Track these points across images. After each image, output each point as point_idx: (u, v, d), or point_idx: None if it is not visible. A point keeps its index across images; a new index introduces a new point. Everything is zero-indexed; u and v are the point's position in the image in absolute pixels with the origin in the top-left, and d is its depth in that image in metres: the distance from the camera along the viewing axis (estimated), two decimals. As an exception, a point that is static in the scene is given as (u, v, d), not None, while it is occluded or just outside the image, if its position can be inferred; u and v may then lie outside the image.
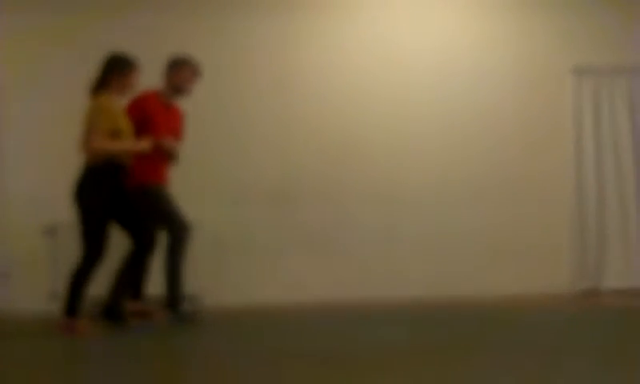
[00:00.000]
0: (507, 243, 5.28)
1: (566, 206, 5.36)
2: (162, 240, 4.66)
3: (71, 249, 4.65)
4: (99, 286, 4.02)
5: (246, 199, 4.24)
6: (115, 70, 3.88)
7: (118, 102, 3.92)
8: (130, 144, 3.83)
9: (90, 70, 4.92)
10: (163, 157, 4.13)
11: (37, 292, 4.75)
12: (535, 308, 4.67)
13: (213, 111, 4.96)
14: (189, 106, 4.39)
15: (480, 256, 5.25)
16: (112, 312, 3.94)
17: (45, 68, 4.94)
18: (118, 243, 4.13)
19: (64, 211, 4.70)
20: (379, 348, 3.25)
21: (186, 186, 4.36)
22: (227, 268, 4.58)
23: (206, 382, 2.65)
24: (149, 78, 4.94)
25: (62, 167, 4.79)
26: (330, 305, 4.83)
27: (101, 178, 3.79)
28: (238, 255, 4.78)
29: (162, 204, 4.16)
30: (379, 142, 5.22)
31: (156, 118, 4.20)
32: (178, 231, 4.10)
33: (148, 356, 3.25)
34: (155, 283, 4.30)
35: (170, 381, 2.71)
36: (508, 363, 2.84)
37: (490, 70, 5.35)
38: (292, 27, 5.17)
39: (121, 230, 3.89)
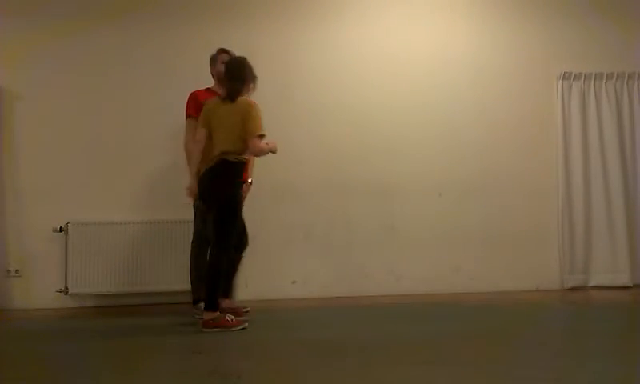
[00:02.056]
0: (498, 241, 5.34)
1: (555, 205, 5.43)
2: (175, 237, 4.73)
3: (81, 247, 4.79)
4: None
5: (248, 199, 4.31)
6: (250, 74, 3.96)
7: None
8: (273, 145, 3.97)
9: (100, 73, 4.99)
10: None
11: (47, 289, 4.78)
12: (529, 303, 4.70)
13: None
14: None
15: (474, 254, 5.32)
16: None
17: (57, 71, 4.96)
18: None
19: (74, 210, 4.85)
20: (386, 340, 3.30)
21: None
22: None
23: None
24: (148, 80, 5.02)
25: (72, 169, 4.93)
26: (331, 300, 4.85)
27: (238, 173, 3.89)
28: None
29: None
30: (378, 142, 5.26)
31: None
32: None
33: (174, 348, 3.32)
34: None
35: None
36: (497, 357, 2.95)
37: (483, 76, 5.43)
38: (293, 35, 5.22)
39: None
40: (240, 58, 4.02)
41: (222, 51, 4.44)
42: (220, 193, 3.79)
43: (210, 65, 4.48)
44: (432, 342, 3.27)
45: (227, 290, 4.16)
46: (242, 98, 3.90)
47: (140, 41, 5.11)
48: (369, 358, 2.92)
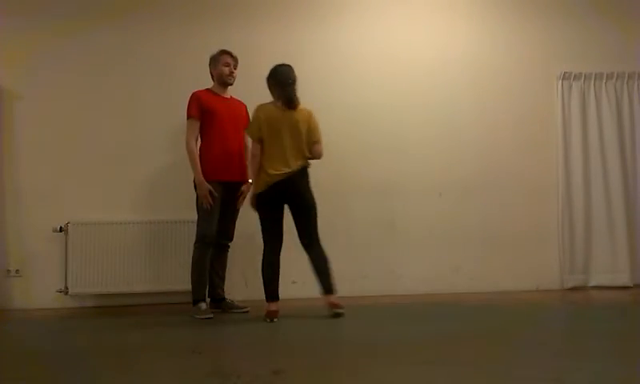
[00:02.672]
0: (498, 241, 5.35)
1: (555, 205, 5.44)
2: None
3: (81, 247, 4.79)
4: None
5: (248, 198, 4.32)
6: (296, 81, 4.16)
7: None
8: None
9: (101, 72, 5.00)
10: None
11: (47, 289, 4.79)
12: (528, 303, 4.71)
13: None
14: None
15: (474, 254, 5.33)
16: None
17: (58, 71, 4.97)
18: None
19: (74, 210, 4.86)
20: (386, 340, 3.31)
21: (190, 186, 4.39)
22: (228, 266, 4.65)
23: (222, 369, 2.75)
24: (149, 80, 5.03)
25: (72, 169, 4.95)
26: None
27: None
28: (239, 253, 4.82)
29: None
30: (378, 142, 5.27)
31: (216, 105, 4.31)
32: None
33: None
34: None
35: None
36: (498, 354, 2.95)
37: (484, 75, 5.44)
38: (293, 35, 5.23)
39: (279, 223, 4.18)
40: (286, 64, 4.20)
41: (225, 53, 4.45)
42: (312, 197, 4.16)
43: (210, 65, 4.49)
44: (432, 341, 3.28)
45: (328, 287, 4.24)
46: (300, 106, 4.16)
47: (140, 41, 5.11)
48: (369, 358, 2.93)
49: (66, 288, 4.81)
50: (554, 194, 5.47)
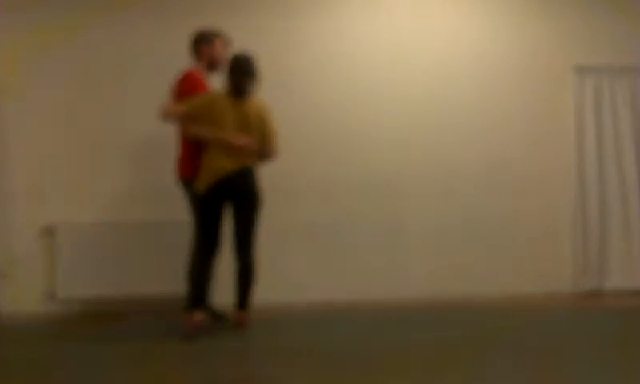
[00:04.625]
0: (510, 241, 5.27)
1: (567, 204, 5.35)
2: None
3: (70, 249, 4.72)
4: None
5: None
6: (256, 74, 4.00)
7: None
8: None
9: (90, 69, 4.95)
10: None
11: (34, 292, 4.72)
12: (538, 308, 4.67)
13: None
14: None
15: (482, 255, 5.24)
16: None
17: (44, 67, 4.91)
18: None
19: (62, 211, 4.81)
20: (390, 347, 3.30)
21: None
22: (228, 267, 4.55)
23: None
24: (149, 78, 4.94)
25: (60, 168, 4.89)
26: (333, 303, 4.83)
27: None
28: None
29: None
30: (382, 139, 5.20)
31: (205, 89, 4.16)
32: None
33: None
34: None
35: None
36: (509, 362, 2.84)
37: (492, 69, 5.34)
38: (295, 28, 5.14)
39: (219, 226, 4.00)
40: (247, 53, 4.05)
41: (220, 36, 4.31)
42: (256, 199, 3.97)
43: (202, 43, 4.29)
44: (440, 348, 3.24)
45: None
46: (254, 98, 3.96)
47: (136, 39, 5.03)
48: (371, 364, 2.90)
49: (54, 291, 4.74)
50: (567, 193, 5.38)
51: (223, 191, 3.89)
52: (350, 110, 5.18)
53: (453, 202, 5.26)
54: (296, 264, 4.97)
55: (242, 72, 3.93)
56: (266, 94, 4.15)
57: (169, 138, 4.54)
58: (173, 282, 4.55)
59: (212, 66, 4.29)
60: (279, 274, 4.90)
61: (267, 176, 4.42)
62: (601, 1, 5.43)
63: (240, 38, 4.59)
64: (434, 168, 5.26)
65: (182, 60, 4.77)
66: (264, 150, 4.00)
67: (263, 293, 4.68)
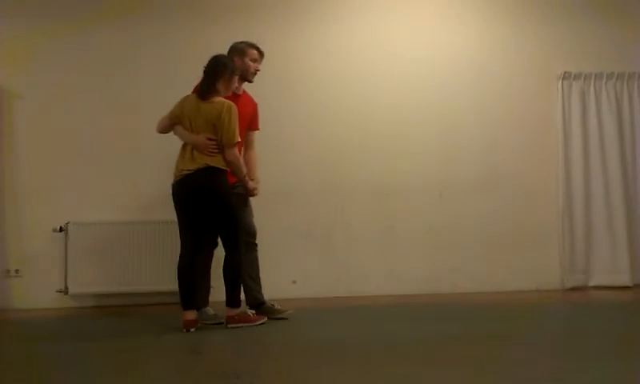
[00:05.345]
0: (499, 240, 5.33)
1: (555, 205, 5.43)
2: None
3: (81, 247, 4.78)
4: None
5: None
6: (224, 73, 3.87)
7: None
8: (247, 174, 4.01)
9: (100, 71, 4.98)
10: None
11: (47, 290, 4.77)
12: (529, 303, 4.70)
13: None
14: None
15: (474, 254, 5.31)
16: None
17: (59, 70, 4.96)
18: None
19: (74, 210, 4.84)
20: (386, 341, 3.31)
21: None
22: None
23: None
24: (149, 80, 5.00)
25: (72, 169, 4.92)
26: (331, 301, 4.85)
27: (227, 179, 3.90)
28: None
29: None
30: (378, 142, 5.25)
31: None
32: None
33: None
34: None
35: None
36: (499, 354, 2.94)
37: (484, 75, 5.41)
38: (293, 34, 5.21)
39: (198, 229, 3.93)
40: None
41: (254, 47, 4.21)
42: (222, 202, 3.85)
43: (235, 54, 4.15)
44: (432, 342, 3.27)
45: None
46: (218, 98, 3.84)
47: (141, 40, 5.09)
48: (369, 358, 2.93)
49: (66, 288, 4.80)
50: (554, 194, 5.46)
51: (185, 192, 3.83)
52: (346, 115, 5.23)
53: (445, 203, 5.32)
54: (294, 262, 5.01)
55: (204, 73, 3.91)
56: (266, 96, 4.16)
57: (175, 139, 4.65)
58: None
59: (243, 78, 4.17)
60: (278, 272, 4.89)
61: (267, 176, 4.45)
62: (588, 10, 5.52)
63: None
64: (427, 170, 5.32)
65: (184, 61, 4.81)
66: (224, 155, 3.83)
67: (263, 290, 4.77)
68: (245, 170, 4.00)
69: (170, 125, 3.98)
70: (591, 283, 5.40)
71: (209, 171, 3.80)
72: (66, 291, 4.80)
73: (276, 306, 4.21)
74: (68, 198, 4.91)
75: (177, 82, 4.79)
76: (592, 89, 5.51)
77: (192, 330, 3.73)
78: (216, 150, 3.82)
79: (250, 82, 4.22)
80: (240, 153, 4.09)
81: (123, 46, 5.08)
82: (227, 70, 3.89)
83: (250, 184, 4.09)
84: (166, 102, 4.83)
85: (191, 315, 3.78)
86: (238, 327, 3.78)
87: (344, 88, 5.27)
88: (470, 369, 2.68)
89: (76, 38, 5.01)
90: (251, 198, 4.22)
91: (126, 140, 5.01)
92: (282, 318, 4.10)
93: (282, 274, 4.99)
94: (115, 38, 5.07)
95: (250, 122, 4.24)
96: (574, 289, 5.33)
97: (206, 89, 3.85)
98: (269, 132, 4.48)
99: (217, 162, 3.81)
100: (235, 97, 4.13)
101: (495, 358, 2.88)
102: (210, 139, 3.80)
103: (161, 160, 4.87)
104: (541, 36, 5.52)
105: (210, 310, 4.05)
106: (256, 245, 4.25)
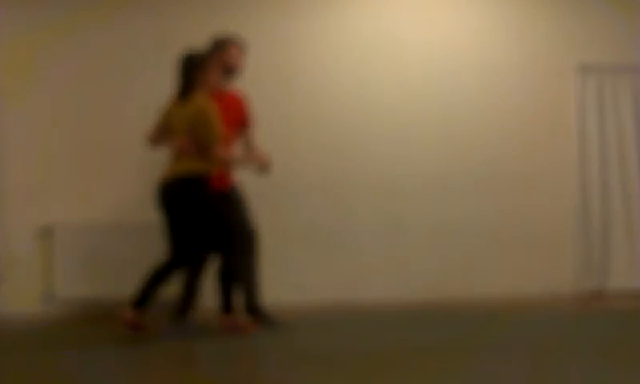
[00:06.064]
0: (510, 241, 5.26)
1: (569, 203, 5.34)
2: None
3: (69, 250, 4.74)
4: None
5: (249, 195, 4.26)
6: (198, 69, 3.83)
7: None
8: (246, 156, 4.04)
9: (89, 70, 4.97)
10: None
11: (32, 293, 4.73)
12: (539, 308, 4.67)
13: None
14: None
15: (482, 254, 5.23)
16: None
17: (45, 68, 4.92)
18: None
19: (62, 211, 4.83)
20: (391, 348, 3.29)
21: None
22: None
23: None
24: (142, 78, 4.97)
25: (59, 168, 4.90)
26: (333, 304, 4.83)
27: (207, 187, 3.80)
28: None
29: None
30: (382, 138, 5.20)
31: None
32: None
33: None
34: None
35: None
36: (510, 366, 2.83)
37: (494, 67, 5.33)
38: (296, 25, 5.15)
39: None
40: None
41: (233, 42, 4.19)
42: (198, 210, 3.81)
43: (222, 50, 4.15)
44: (440, 350, 3.22)
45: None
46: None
47: (133, 38, 5.03)
48: (372, 367, 2.88)
49: (53, 292, 4.75)
50: (569, 193, 5.36)
51: (166, 199, 3.79)
52: (350, 113, 5.18)
53: (453, 202, 5.25)
54: (294, 263, 4.99)
55: (178, 74, 3.87)
56: (266, 93, 4.18)
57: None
58: (171, 283, 4.46)
59: (227, 72, 4.15)
60: (278, 274, 4.87)
61: (267, 176, 4.43)
62: (603, 0, 5.41)
63: (238, 33, 4.56)
64: (434, 167, 5.25)
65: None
66: (205, 151, 3.76)
67: (263, 293, 4.68)
68: (241, 157, 4.06)
69: (159, 135, 3.99)
70: (608, 287, 5.29)
71: (186, 179, 3.76)
72: (53, 296, 4.74)
73: (273, 313, 4.19)
74: (55, 198, 4.86)
75: (173, 80, 4.73)
76: (609, 82, 5.39)
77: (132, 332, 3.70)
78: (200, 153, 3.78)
79: (234, 76, 4.20)
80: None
81: (118, 46, 5.03)
82: (200, 64, 3.85)
83: (258, 159, 4.11)
84: (160, 100, 4.79)
85: (130, 314, 3.68)
86: (231, 334, 3.79)
87: (346, 84, 5.21)
88: (471, 380, 2.60)
89: (70, 37, 4.96)
90: (251, 198, 4.22)
91: (116, 140, 4.96)
92: (278, 325, 4.08)
93: (282, 275, 4.93)
94: (108, 35, 5.01)
95: (241, 121, 4.23)
96: (589, 293, 5.24)
97: (183, 89, 3.85)
98: (272, 129, 4.55)
99: (199, 167, 3.76)
100: (220, 96, 4.10)
101: (506, 368, 2.79)
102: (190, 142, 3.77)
103: (152, 161, 4.87)
104: (555, 26, 5.39)
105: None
106: (254, 247, 4.22)
